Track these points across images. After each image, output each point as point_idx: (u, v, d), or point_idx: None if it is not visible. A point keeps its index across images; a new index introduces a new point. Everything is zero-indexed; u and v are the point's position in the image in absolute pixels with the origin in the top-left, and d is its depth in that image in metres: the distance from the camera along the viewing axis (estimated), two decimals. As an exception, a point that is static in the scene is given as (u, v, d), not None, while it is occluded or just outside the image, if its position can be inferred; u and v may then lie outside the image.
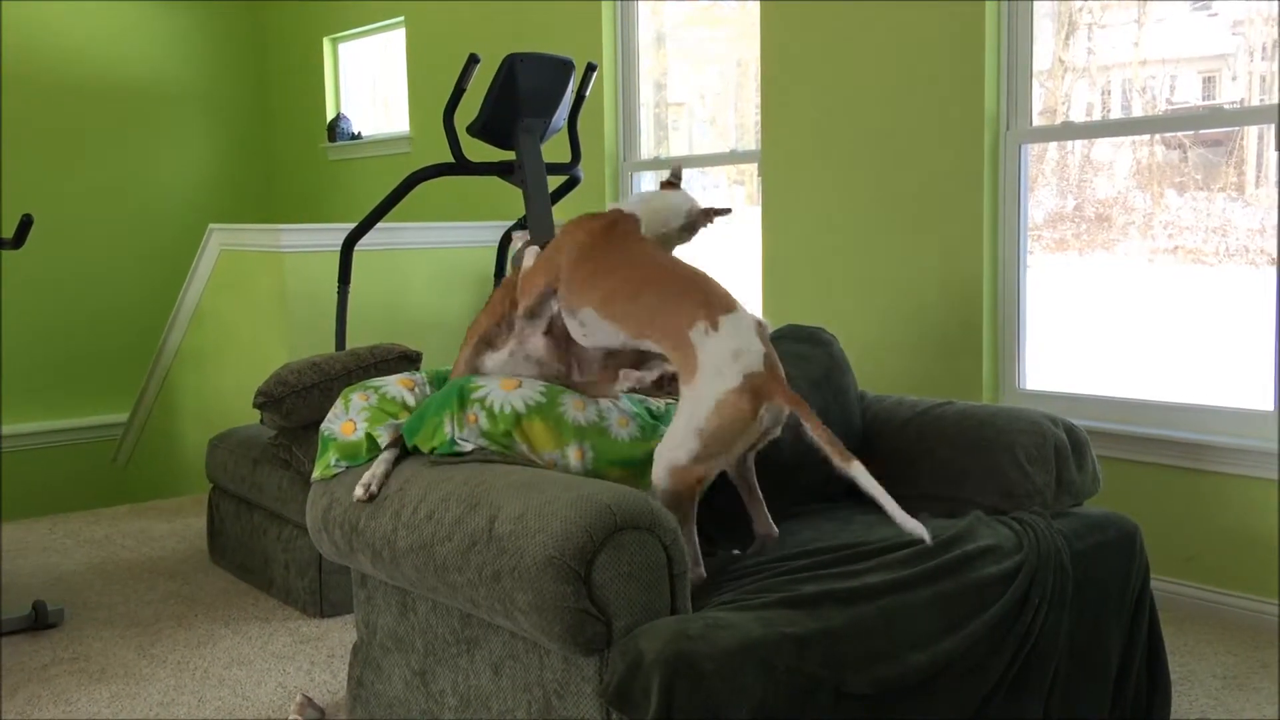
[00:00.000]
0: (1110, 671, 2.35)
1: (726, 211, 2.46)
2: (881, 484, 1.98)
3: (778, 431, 2.17)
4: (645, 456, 2.25)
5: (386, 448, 2.34)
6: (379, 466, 2.29)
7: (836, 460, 2.01)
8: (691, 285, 2.17)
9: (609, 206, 2.35)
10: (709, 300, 2.14)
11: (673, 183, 2.47)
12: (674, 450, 2.08)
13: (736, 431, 2.07)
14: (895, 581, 2.03)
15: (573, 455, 2.23)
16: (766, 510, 2.30)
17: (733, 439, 2.08)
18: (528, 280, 2.35)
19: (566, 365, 2.37)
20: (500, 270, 4.81)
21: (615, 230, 2.28)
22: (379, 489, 2.26)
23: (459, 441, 2.24)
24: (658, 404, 2.42)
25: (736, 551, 2.29)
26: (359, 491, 2.25)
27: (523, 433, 2.23)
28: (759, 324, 2.19)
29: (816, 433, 2.03)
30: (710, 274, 2.24)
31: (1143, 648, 2.41)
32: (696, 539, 2.12)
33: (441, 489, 2.13)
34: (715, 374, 2.07)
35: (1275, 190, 3.21)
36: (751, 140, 4.68)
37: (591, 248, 2.25)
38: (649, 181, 5.05)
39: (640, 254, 2.24)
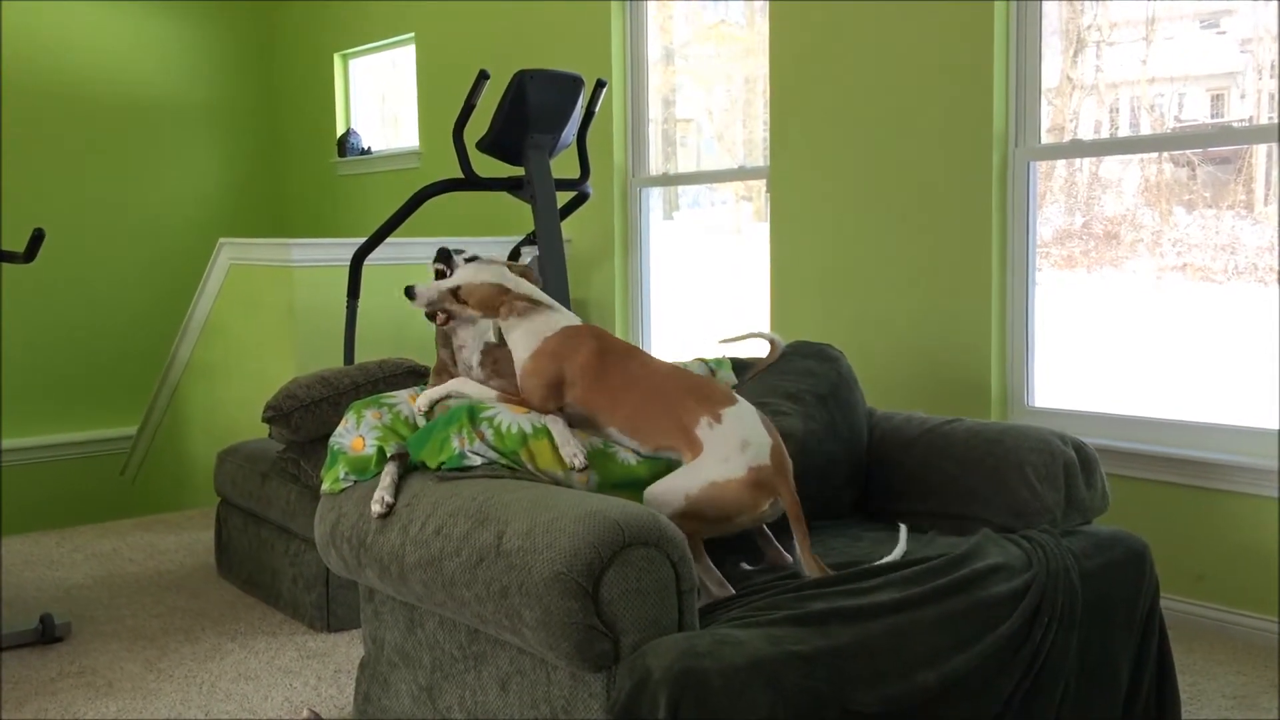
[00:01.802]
0: (1119, 690, 2.34)
1: None
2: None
3: (773, 517, 2.20)
4: (652, 476, 2.25)
5: (390, 459, 2.35)
6: (385, 478, 2.31)
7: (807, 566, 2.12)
8: (691, 387, 2.24)
9: (558, 326, 2.37)
10: (710, 396, 2.22)
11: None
12: (658, 502, 2.12)
13: (732, 515, 2.12)
14: (903, 599, 2.03)
15: (577, 477, 2.24)
16: (775, 541, 2.30)
17: (726, 519, 2.12)
18: (529, 389, 2.34)
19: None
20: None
21: (609, 350, 2.33)
22: (394, 498, 2.28)
23: (468, 455, 2.24)
24: None
25: (745, 566, 2.29)
26: (376, 508, 2.26)
27: (529, 453, 2.24)
28: (764, 416, 2.24)
29: (802, 549, 2.13)
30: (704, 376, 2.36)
31: (1152, 666, 2.40)
32: (712, 566, 2.13)
33: (450, 504, 2.13)
34: (721, 460, 2.12)
35: (1284, 208, 3.21)
36: (759, 157, 4.69)
37: (602, 371, 2.29)
38: (657, 198, 5.06)
39: (638, 369, 2.30)
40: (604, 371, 2.29)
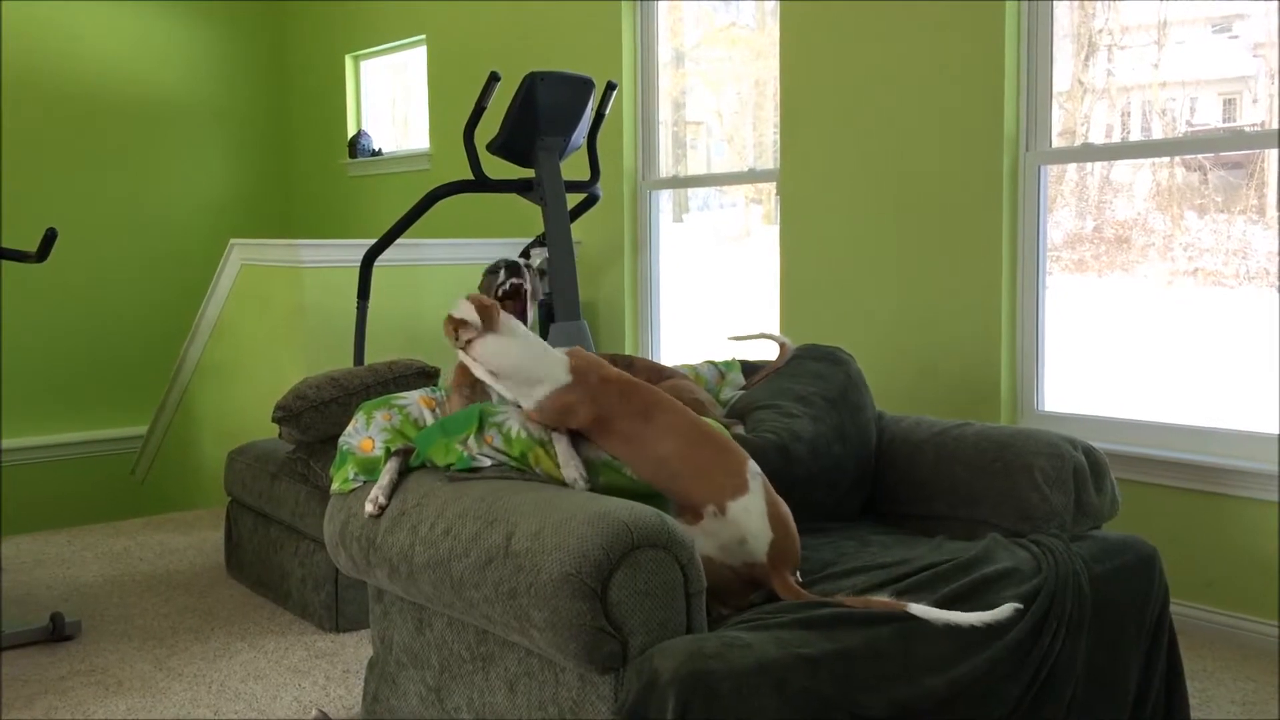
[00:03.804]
0: (1128, 696, 2.33)
1: None
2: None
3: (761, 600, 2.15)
4: (657, 492, 2.26)
5: (391, 457, 2.36)
6: (384, 477, 2.33)
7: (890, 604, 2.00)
8: (702, 469, 2.15)
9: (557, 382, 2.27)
10: (720, 485, 2.14)
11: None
12: None
13: (714, 590, 2.08)
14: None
15: (583, 486, 2.24)
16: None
17: (711, 590, 2.07)
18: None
19: None
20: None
21: (652, 406, 2.22)
22: (387, 500, 2.29)
23: (478, 458, 2.25)
24: None
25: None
26: (369, 508, 2.28)
27: (536, 458, 2.24)
28: (773, 502, 2.15)
29: (848, 601, 2.02)
30: (725, 438, 2.22)
31: (1161, 672, 2.39)
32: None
33: (459, 505, 2.13)
34: (719, 548, 2.09)
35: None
36: (769, 159, 4.69)
37: (609, 433, 2.22)
38: (666, 200, 5.07)
39: (651, 435, 2.20)
40: (638, 420, 2.21)
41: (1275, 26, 3.25)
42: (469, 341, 2.27)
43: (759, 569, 2.09)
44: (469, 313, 2.28)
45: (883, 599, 2.00)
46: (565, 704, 1.97)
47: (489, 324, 2.28)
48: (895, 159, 3.97)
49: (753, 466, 2.19)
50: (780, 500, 2.19)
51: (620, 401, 2.22)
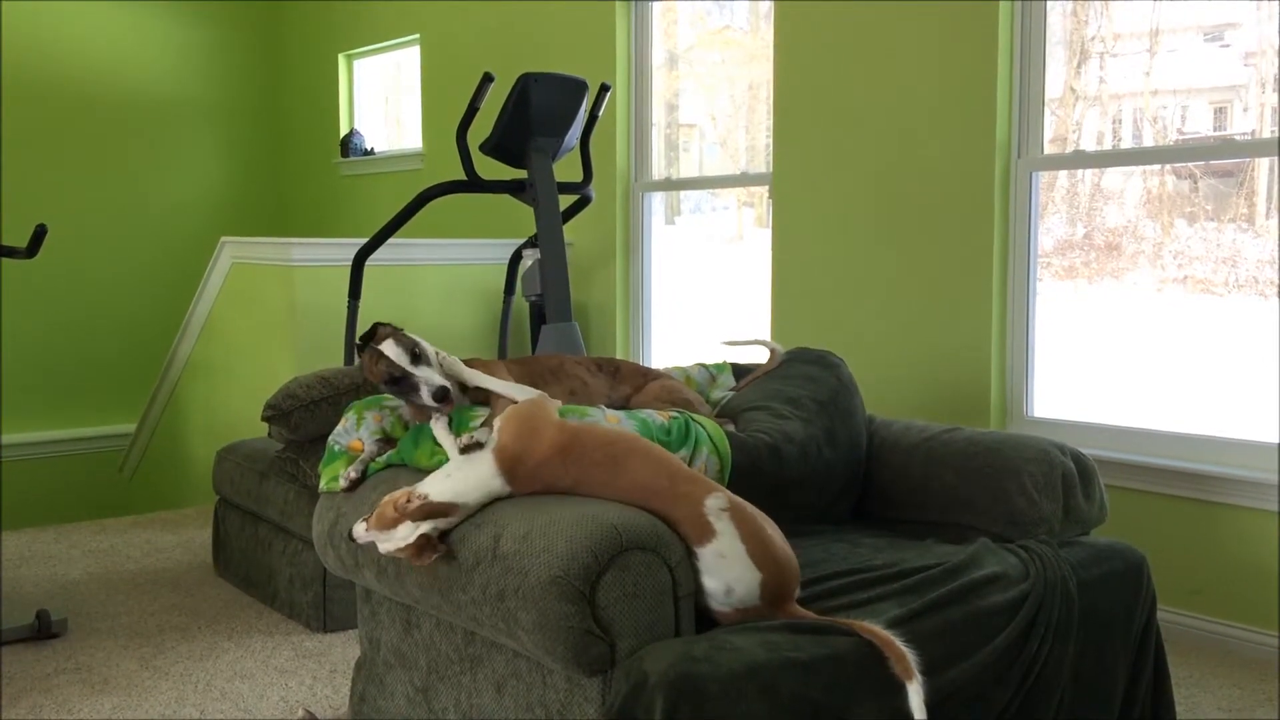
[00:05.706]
0: (1115, 702, 2.34)
1: None
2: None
3: None
4: None
5: (374, 440, 2.39)
6: (365, 452, 2.37)
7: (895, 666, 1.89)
8: (664, 509, 1.98)
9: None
10: (684, 531, 1.96)
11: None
12: None
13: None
14: (902, 610, 2.02)
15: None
16: None
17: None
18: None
19: None
20: (510, 287, 4.82)
21: (577, 482, 2.06)
22: (359, 475, 2.33)
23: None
24: (659, 418, 2.42)
25: None
26: (341, 482, 2.31)
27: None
28: (743, 527, 1.94)
29: (853, 627, 1.93)
30: (678, 476, 2.02)
31: (1148, 679, 2.40)
32: None
33: (448, 506, 2.13)
34: (705, 596, 1.96)
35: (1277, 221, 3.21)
36: (762, 163, 4.69)
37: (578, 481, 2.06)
38: (659, 202, 5.07)
39: (600, 490, 2.05)
40: (582, 481, 2.06)
41: (1268, 34, 3.26)
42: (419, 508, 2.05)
43: (754, 611, 1.94)
44: (412, 526, 2.05)
45: (887, 635, 1.89)
46: (553, 706, 1.97)
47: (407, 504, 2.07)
48: (888, 164, 3.98)
49: (714, 503, 1.97)
50: (763, 527, 1.98)
51: (557, 479, 2.07)
